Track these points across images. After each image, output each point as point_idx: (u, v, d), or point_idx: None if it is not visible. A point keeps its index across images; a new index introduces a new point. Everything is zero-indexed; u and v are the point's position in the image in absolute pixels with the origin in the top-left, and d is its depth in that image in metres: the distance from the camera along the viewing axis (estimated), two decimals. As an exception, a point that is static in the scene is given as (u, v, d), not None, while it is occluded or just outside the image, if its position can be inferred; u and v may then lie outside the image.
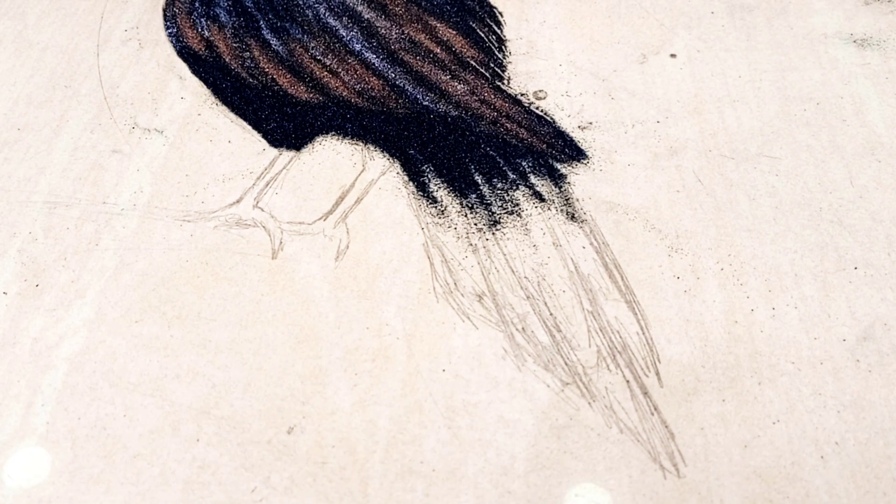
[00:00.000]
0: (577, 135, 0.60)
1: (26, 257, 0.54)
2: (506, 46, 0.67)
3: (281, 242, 0.54)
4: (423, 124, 0.61)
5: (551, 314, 0.50)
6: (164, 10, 0.70)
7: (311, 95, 0.63)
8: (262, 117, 0.62)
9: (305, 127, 0.61)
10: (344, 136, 0.61)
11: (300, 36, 0.67)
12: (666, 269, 0.53)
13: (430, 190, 0.57)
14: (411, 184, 0.57)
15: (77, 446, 0.45)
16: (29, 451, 0.45)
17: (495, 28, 0.68)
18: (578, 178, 0.58)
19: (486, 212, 0.56)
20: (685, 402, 0.47)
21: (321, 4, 0.69)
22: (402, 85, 0.63)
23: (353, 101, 0.62)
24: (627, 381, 0.48)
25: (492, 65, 0.65)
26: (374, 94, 0.63)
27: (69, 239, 0.55)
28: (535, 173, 0.58)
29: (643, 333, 0.50)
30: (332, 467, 0.44)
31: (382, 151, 0.59)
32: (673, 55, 0.66)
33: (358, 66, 0.64)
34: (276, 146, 0.60)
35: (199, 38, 0.67)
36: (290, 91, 0.63)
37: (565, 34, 0.68)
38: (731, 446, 0.45)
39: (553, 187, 0.57)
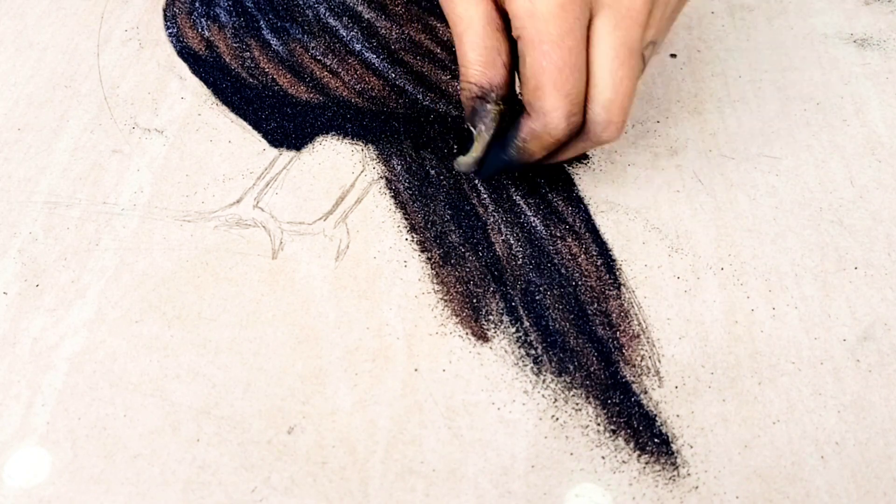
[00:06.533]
0: (577, 135, 0.60)
1: (26, 257, 0.54)
2: (506, 46, 0.67)
3: (281, 242, 0.54)
4: (423, 124, 0.61)
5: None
6: (165, 10, 0.70)
7: (311, 95, 0.63)
8: (262, 117, 0.62)
9: (305, 127, 0.61)
10: (344, 136, 0.61)
11: (300, 36, 0.67)
12: (666, 269, 0.53)
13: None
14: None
15: (77, 446, 0.45)
16: (29, 451, 0.45)
17: (495, 28, 0.68)
18: (578, 178, 0.58)
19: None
20: (685, 402, 0.47)
21: (321, 4, 0.69)
22: (402, 85, 0.63)
23: (353, 101, 0.62)
24: (628, 381, 0.48)
25: (492, 65, 0.65)
26: (374, 94, 0.63)
27: (69, 239, 0.55)
28: (534, 174, 0.58)
29: (643, 333, 0.50)
30: (332, 467, 0.44)
31: (380, 154, 0.59)
32: (673, 55, 0.66)
33: (358, 66, 0.64)
34: (276, 146, 0.60)
35: (199, 38, 0.67)
36: (290, 91, 0.63)
37: (565, 34, 0.68)
38: (731, 446, 0.45)
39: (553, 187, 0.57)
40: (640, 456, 0.45)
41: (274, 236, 0.55)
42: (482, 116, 0.46)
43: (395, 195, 0.57)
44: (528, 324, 0.50)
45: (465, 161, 0.48)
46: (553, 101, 0.43)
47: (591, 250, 0.53)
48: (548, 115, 0.44)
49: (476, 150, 0.48)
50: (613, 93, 0.43)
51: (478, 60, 0.45)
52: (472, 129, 0.47)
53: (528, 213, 0.55)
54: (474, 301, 0.51)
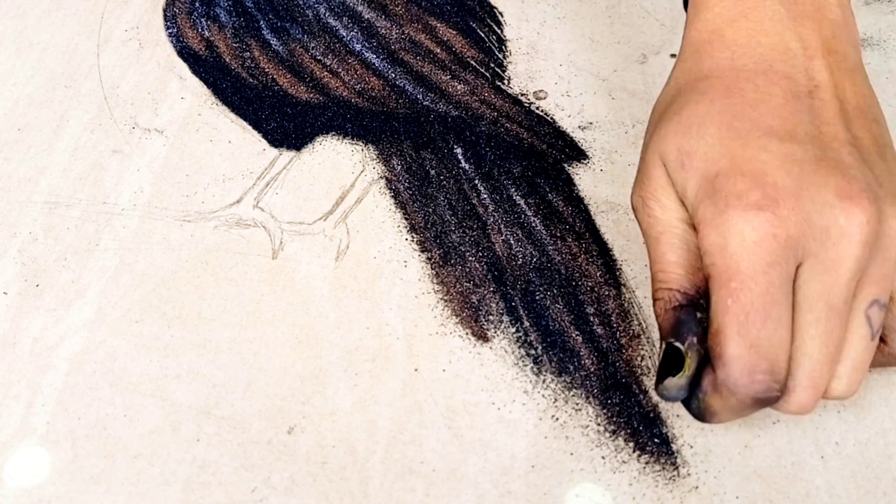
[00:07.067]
0: (577, 135, 0.60)
1: (26, 257, 0.54)
2: (506, 46, 0.67)
3: (281, 242, 0.54)
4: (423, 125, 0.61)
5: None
6: (165, 10, 0.70)
7: (311, 95, 0.63)
8: (262, 117, 0.62)
9: (305, 127, 0.61)
10: (344, 136, 0.61)
11: (300, 36, 0.67)
12: (666, 269, 0.53)
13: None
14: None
15: (77, 446, 0.45)
16: (29, 451, 0.45)
17: (495, 28, 0.68)
18: (578, 178, 0.58)
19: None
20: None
21: (321, 4, 0.69)
22: (402, 85, 0.63)
23: (353, 101, 0.62)
24: (628, 381, 0.48)
25: (492, 65, 0.65)
26: (374, 94, 0.63)
27: (69, 239, 0.55)
28: (534, 174, 0.58)
29: (643, 333, 0.50)
30: (332, 467, 0.44)
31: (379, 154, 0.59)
32: (673, 55, 0.66)
33: (358, 66, 0.64)
34: (276, 146, 0.60)
35: (199, 38, 0.67)
36: (290, 91, 0.63)
37: (565, 34, 0.68)
38: (731, 446, 0.45)
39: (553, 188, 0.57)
40: (640, 456, 0.45)
41: (274, 236, 0.55)
42: (690, 326, 0.38)
43: (395, 195, 0.57)
44: (528, 324, 0.50)
45: (675, 383, 0.39)
46: (734, 348, 0.35)
47: (591, 250, 0.53)
48: (727, 366, 0.36)
49: (689, 368, 0.39)
50: (801, 354, 0.36)
51: (679, 263, 0.39)
52: (677, 344, 0.39)
53: (528, 213, 0.55)
54: (474, 301, 0.51)
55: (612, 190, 0.57)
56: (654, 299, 0.41)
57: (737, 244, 0.35)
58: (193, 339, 0.50)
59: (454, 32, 0.67)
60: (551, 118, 0.61)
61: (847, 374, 0.38)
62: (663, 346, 0.40)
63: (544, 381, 0.48)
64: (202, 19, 0.68)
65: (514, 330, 0.50)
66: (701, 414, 0.40)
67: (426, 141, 0.60)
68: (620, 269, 0.53)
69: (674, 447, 0.45)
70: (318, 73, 0.64)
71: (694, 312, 0.39)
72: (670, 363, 0.40)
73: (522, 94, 0.63)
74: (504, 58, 0.66)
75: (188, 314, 0.51)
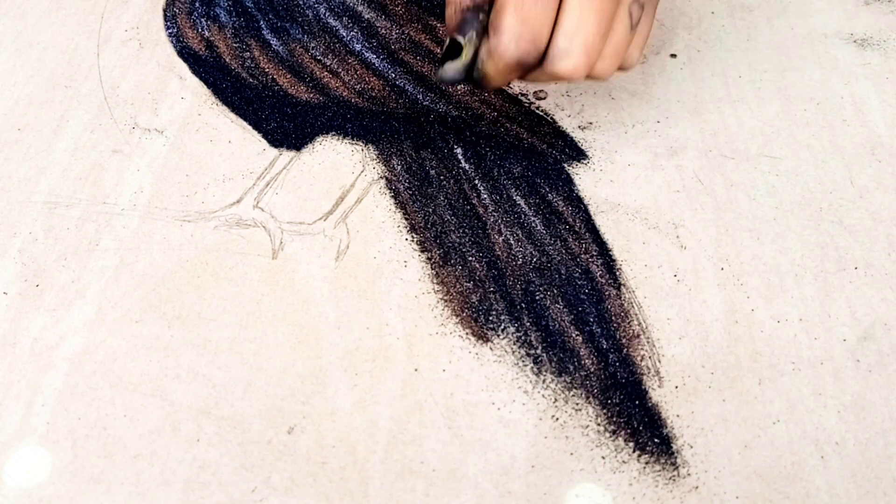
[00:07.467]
0: (577, 135, 0.60)
1: (26, 257, 0.54)
2: (506, 46, 0.67)
3: (281, 242, 0.54)
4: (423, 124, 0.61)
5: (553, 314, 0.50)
6: (165, 10, 0.70)
7: (311, 95, 0.63)
8: (262, 117, 0.62)
9: (305, 127, 0.61)
10: (344, 136, 0.61)
11: (300, 36, 0.67)
12: (666, 269, 0.53)
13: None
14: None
15: (77, 446, 0.45)
16: (29, 451, 0.45)
17: (495, 28, 0.68)
18: (578, 178, 0.58)
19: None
20: (685, 402, 0.47)
21: (321, 4, 0.69)
22: (402, 85, 0.63)
23: (353, 101, 0.62)
24: (627, 381, 0.48)
25: (492, 65, 0.65)
26: (374, 94, 0.63)
27: (69, 239, 0.55)
28: (534, 174, 0.58)
29: (643, 333, 0.50)
30: (332, 467, 0.44)
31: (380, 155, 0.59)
32: (673, 55, 0.66)
33: (358, 66, 0.64)
34: (276, 146, 0.60)
35: (199, 38, 0.67)
36: (290, 91, 0.63)
37: (565, 34, 0.68)
38: (731, 446, 0.45)
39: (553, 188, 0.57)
40: (640, 456, 0.45)
41: (274, 236, 0.55)
42: (473, 24, 0.46)
43: (395, 195, 0.57)
44: (528, 324, 0.50)
45: (453, 67, 0.48)
46: (509, 20, 0.43)
47: (591, 250, 0.53)
48: (500, 35, 0.44)
49: (466, 56, 0.47)
50: (577, 22, 0.43)
51: None
52: (458, 38, 0.47)
53: (528, 213, 0.55)
54: (474, 301, 0.51)
55: (612, 190, 0.57)
56: (447, 4, 0.47)
57: None
58: (193, 339, 0.50)
59: (454, 32, 0.67)
60: (551, 118, 0.61)
61: (609, 55, 0.46)
62: (448, 40, 0.47)
63: (544, 381, 0.48)
64: (202, 19, 0.68)
65: (514, 330, 0.50)
66: (479, 80, 0.48)
67: (426, 141, 0.60)
68: (620, 269, 0.53)
69: (674, 447, 0.45)
70: (318, 73, 0.64)
71: (478, 14, 0.46)
72: (451, 54, 0.48)
73: (522, 94, 0.63)
74: (504, 58, 0.66)
75: (188, 314, 0.51)
